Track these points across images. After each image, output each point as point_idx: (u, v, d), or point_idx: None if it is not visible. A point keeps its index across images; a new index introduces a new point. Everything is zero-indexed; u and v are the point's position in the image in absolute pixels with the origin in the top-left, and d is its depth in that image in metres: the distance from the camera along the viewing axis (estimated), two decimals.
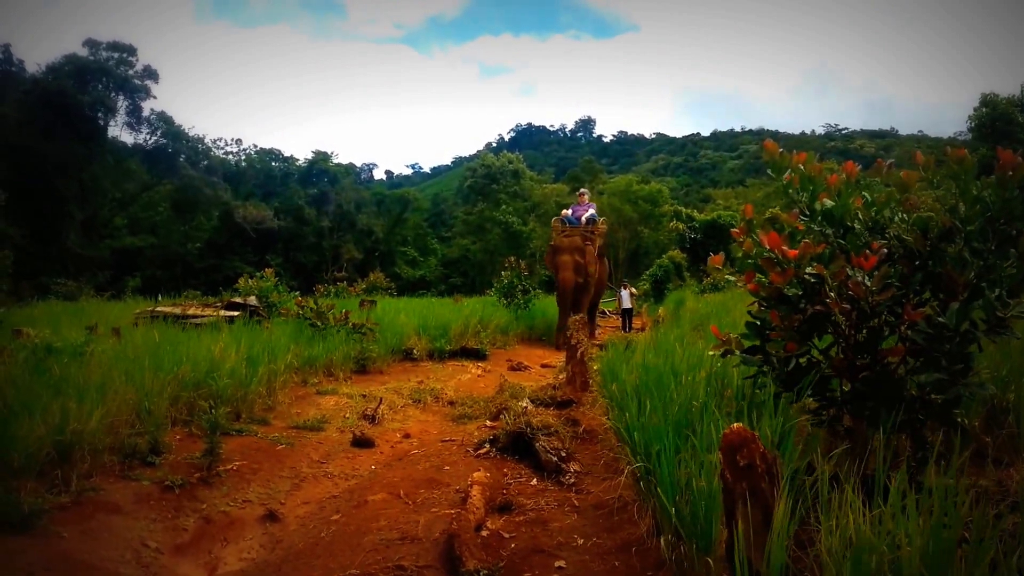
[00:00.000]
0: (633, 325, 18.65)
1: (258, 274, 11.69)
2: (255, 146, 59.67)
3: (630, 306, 19.60)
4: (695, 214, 33.95)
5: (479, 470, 4.47)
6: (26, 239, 31.92)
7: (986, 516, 1.99)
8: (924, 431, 3.11)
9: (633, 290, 21.07)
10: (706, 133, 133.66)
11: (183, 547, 3.83)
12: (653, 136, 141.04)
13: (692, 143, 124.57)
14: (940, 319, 2.94)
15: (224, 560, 3.79)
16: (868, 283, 2.93)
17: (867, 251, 3.02)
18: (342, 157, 71.95)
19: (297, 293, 12.12)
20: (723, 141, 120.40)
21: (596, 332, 14.94)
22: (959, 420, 3.11)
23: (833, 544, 2.12)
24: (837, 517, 2.18)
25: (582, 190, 17.14)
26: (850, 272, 3.00)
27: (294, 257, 47.65)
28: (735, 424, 2.24)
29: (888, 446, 2.78)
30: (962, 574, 1.93)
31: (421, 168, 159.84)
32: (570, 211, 15.02)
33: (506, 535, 3.60)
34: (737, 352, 3.62)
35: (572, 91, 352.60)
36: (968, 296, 2.99)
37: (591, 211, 14.72)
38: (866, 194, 3.40)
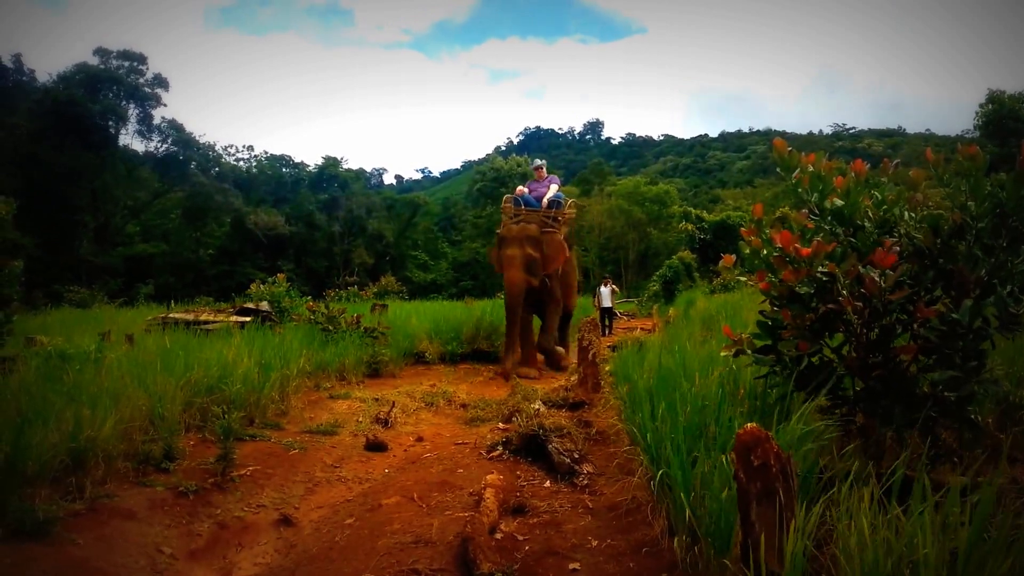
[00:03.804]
0: (614, 328, 16.81)
1: (270, 280, 11.71)
2: (265, 152, 60.15)
3: (610, 305, 17.32)
4: (704, 215, 33.77)
5: (492, 472, 4.46)
6: (39, 248, 32.09)
7: (1005, 515, 1.97)
8: (937, 429, 3.09)
9: (615, 287, 19.21)
10: (714, 134, 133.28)
11: (197, 553, 3.84)
12: (661, 138, 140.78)
13: (700, 144, 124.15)
14: (953, 316, 2.92)
15: (239, 565, 3.79)
16: (883, 281, 2.92)
17: (881, 249, 3.00)
18: (352, 162, 72.59)
19: (309, 298, 12.14)
20: (731, 142, 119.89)
21: (568, 348, 11.15)
22: (973, 417, 3.09)
23: (850, 544, 2.10)
24: (853, 517, 2.17)
25: (538, 162, 12.17)
26: (863, 270, 2.99)
27: (305, 262, 47.87)
28: (748, 424, 2.23)
29: (901, 444, 2.77)
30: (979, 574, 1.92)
31: (431, 172, 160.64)
32: (526, 189, 11.19)
33: (520, 537, 3.60)
34: (749, 352, 3.62)
35: (580, 94, 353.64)
36: (980, 293, 2.97)
37: (554, 189, 10.98)
38: (876, 193, 3.39)
